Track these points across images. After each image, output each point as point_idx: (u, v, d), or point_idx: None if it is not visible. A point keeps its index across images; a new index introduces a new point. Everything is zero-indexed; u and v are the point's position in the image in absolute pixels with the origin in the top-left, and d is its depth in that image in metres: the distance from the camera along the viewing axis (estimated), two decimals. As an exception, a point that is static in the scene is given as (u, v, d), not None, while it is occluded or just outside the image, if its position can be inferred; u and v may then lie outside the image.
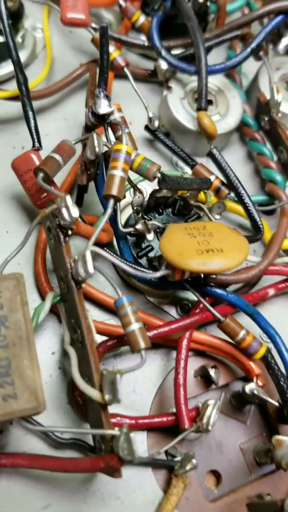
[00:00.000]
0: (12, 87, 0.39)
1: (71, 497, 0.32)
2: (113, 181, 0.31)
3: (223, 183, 0.40)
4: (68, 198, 0.30)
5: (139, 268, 0.34)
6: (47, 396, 0.34)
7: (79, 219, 0.32)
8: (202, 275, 0.36)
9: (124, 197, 0.35)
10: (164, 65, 0.43)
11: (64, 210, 0.30)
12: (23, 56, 0.44)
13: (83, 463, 0.29)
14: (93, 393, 0.29)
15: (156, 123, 0.41)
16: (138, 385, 0.36)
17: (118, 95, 0.45)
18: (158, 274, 0.32)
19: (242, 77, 0.49)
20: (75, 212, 0.30)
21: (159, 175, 0.34)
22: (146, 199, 0.38)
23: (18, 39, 0.43)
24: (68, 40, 0.48)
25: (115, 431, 0.28)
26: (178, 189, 0.35)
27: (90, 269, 0.29)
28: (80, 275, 0.30)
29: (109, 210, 0.31)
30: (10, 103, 0.39)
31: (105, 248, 0.34)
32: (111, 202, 0.31)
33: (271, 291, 0.39)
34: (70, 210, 0.30)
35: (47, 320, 0.36)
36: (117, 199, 0.31)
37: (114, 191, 0.31)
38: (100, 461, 0.28)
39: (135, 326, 0.30)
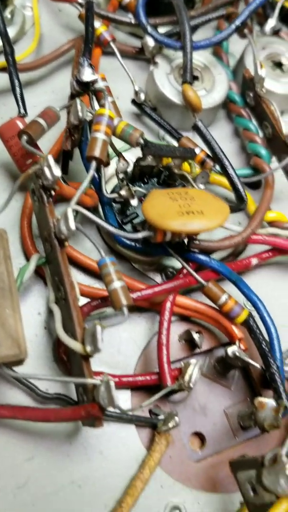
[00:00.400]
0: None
1: (55, 450, 0.33)
2: (96, 143, 0.32)
3: (208, 156, 0.41)
4: (50, 158, 0.31)
5: (120, 230, 0.34)
6: (33, 355, 0.35)
7: (63, 181, 0.33)
8: (186, 241, 0.37)
9: (108, 164, 0.36)
10: (150, 42, 0.44)
11: (46, 169, 0.31)
12: (11, 32, 0.44)
13: (65, 412, 0.30)
14: (75, 345, 0.29)
15: (142, 96, 0.42)
16: (123, 346, 0.37)
17: (105, 71, 0.45)
18: (140, 234, 0.33)
19: (229, 57, 0.50)
20: (57, 171, 0.31)
21: (141, 141, 0.35)
22: (131, 168, 0.39)
23: (7, 14, 0.44)
24: (57, 18, 0.49)
25: (96, 380, 0.29)
26: (160, 155, 0.36)
27: (72, 225, 0.30)
28: (62, 232, 0.31)
29: (91, 172, 0.32)
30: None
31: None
32: (93, 164, 0.32)
33: (254, 260, 0.40)
34: (52, 169, 0.31)
35: (34, 283, 0.37)
36: (99, 161, 0.32)
37: (96, 152, 0.32)
38: (81, 410, 0.29)
39: (117, 284, 0.31)
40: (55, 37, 0.47)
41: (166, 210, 0.32)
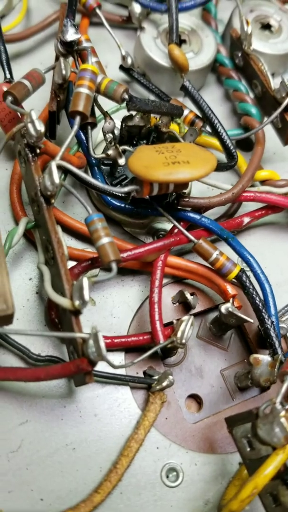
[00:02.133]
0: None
1: (49, 413, 0.33)
2: (79, 98, 0.32)
3: (197, 116, 0.40)
4: (33, 113, 0.30)
5: (106, 185, 0.34)
6: (25, 319, 0.35)
7: (46, 139, 0.33)
8: (174, 197, 0.36)
9: (95, 124, 0.36)
10: (137, 9, 0.44)
11: (30, 126, 0.30)
12: (-2, 5, 0.44)
13: (55, 369, 0.29)
14: (63, 301, 0.29)
15: (129, 60, 0.41)
16: (116, 309, 0.36)
17: (94, 41, 0.45)
18: (126, 189, 0.33)
19: (218, 23, 0.49)
20: (40, 126, 0.30)
21: (126, 96, 0.34)
22: (119, 130, 0.38)
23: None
24: (44, -9, 0.49)
25: (84, 334, 0.28)
26: (145, 111, 0.35)
27: (56, 179, 0.29)
28: (48, 188, 0.30)
29: (75, 127, 0.32)
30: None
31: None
32: (77, 119, 0.32)
33: (247, 219, 0.39)
34: (36, 125, 0.30)
35: (25, 249, 0.37)
36: (83, 116, 0.32)
37: (80, 107, 0.32)
38: (71, 365, 0.28)
39: (105, 240, 0.30)
40: (43, 11, 0.47)
41: (151, 162, 0.31)
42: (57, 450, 0.32)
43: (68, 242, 0.38)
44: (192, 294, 0.37)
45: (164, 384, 0.33)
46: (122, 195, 0.34)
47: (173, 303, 0.38)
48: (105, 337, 0.34)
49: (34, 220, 0.34)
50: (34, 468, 0.32)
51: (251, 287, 0.35)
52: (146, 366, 0.35)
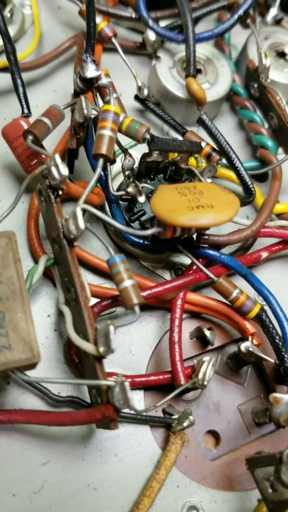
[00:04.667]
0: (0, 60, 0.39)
1: (70, 453, 0.33)
2: (102, 141, 0.32)
3: (214, 149, 0.40)
4: (57, 157, 0.30)
5: (129, 228, 0.34)
6: (44, 357, 0.35)
7: (69, 181, 0.33)
8: (195, 237, 0.36)
9: (115, 161, 0.36)
10: (152, 36, 0.44)
11: (53, 169, 0.30)
12: (11, 31, 0.44)
13: (80, 415, 0.29)
14: (88, 346, 0.29)
15: (145, 92, 0.41)
16: (134, 346, 0.36)
17: (107, 68, 0.45)
18: (149, 231, 0.33)
19: (231, 49, 0.49)
20: (64, 170, 0.30)
21: (148, 136, 0.34)
22: (137, 165, 0.38)
23: (6, 13, 0.43)
24: (56, 16, 0.48)
25: (110, 381, 0.28)
26: (167, 150, 0.35)
27: (81, 224, 0.29)
28: (71, 232, 0.30)
29: (98, 169, 0.32)
30: (-1, 75, 0.40)
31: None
32: (100, 161, 0.32)
33: (264, 254, 0.39)
34: (60, 168, 0.30)
35: (42, 285, 0.37)
36: (106, 158, 0.32)
37: (103, 150, 0.31)
38: (96, 412, 0.28)
39: (128, 283, 0.30)
40: (55, 35, 0.47)
41: (175, 205, 0.31)
42: (79, 491, 0.32)
43: (86, 277, 0.38)
44: (209, 329, 0.37)
45: (185, 424, 0.33)
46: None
47: (190, 338, 0.38)
48: (126, 376, 0.34)
49: (53, 257, 0.34)
50: (57, 509, 0.32)
51: (270, 326, 0.36)
52: (165, 404, 0.35)
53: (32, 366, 0.28)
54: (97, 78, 0.35)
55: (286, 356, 0.35)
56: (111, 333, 0.28)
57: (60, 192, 0.32)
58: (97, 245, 0.39)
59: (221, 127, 0.45)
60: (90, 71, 0.35)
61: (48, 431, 0.32)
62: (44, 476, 0.32)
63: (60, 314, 0.36)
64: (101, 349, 0.28)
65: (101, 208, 0.38)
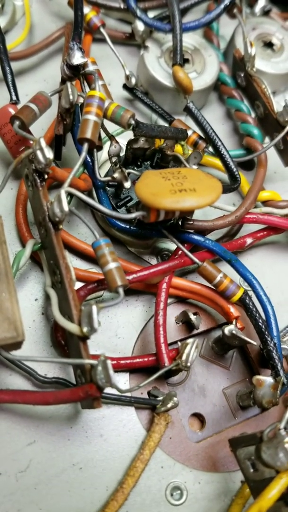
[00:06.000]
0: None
1: (56, 434, 0.33)
2: (87, 125, 0.32)
3: (200, 137, 0.41)
4: (42, 141, 0.31)
5: (114, 211, 0.34)
6: (31, 340, 0.35)
7: (55, 165, 0.33)
8: (180, 222, 0.37)
9: (101, 147, 0.36)
10: (140, 26, 0.44)
11: (38, 152, 0.31)
12: (2, 22, 0.45)
13: (64, 394, 0.30)
14: (72, 327, 0.30)
15: (133, 80, 0.42)
16: (120, 329, 0.37)
17: (96, 58, 0.45)
18: (133, 215, 0.33)
19: (220, 40, 0.50)
20: (49, 153, 0.31)
21: (132, 121, 0.35)
22: (124, 152, 0.39)
23: (-4, 3, 0.44)
24: (47, 7, 0.49)
25: (93, 361, 0.29)
26: (152, 136, 0.36)
27: (65, 207, 0.30)
28: (56, 215, 0.31)
29: (83, 154, 0.32)
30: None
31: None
32: (85, 145, 0.32)
33: (249, 240, 0.40)
34: (45, 152, 0.31)
35: (30, 269, 0.37)
36: (91, 143, 0.32)
37: (88, 134, 0.32)
38: (79, 391, 0.29)
39: (112, 265, 0.31)
40: (46, 26, 0.47)
41: (158, 189, 0.32)
42: (64, 470, 0.33)
43: (73, 262, 0.38)
44: (195, 314, 0.38)
45: (169, 405, 0.34)
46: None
47: (176, 322, 0.38)
48: (111, 359, 0.34)
49: (40, 242, 0.35)
50: (42, 488, 0.32)
51: (254, 309, 0.36)
52: (150, 386, 0.36)
53: (17, 345, 0.29)
54: (84, 65, 0.36)
55: (268, 339, 0.35)
56: (94, 313, 0.28)
57: (46, 176, 0.32)
58: (85, 231, 0.39)
59: (209, 116, 0.45)
60: (76, 58, 0.35)
61: (35, 412, 0.33)
62: (31, 455, 0.33)
63: (47, 298, 0.36)
64: (85, 329, 0.29)
65: (88, 194, 0.39)
